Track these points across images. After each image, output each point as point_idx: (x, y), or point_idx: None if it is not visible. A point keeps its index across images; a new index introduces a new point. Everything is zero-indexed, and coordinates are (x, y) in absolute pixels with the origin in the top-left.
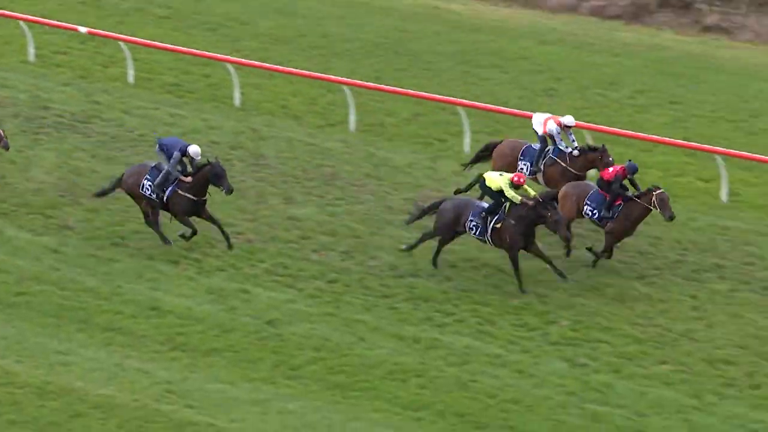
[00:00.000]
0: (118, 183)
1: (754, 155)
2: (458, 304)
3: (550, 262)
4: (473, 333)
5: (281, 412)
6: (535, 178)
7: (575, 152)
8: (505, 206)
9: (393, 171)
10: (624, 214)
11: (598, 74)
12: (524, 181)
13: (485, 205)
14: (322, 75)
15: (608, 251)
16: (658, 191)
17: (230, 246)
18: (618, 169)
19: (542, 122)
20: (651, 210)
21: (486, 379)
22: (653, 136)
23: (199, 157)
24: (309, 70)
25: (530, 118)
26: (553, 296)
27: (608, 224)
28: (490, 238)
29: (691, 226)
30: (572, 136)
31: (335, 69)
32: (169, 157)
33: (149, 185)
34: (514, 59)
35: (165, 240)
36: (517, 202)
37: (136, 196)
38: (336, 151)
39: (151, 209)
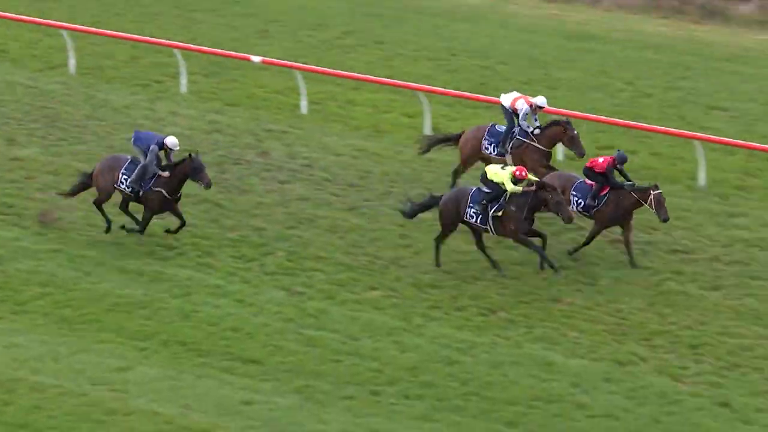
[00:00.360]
0: (89, 179)
1: (454, 92)
2: (179, 238)
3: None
4: (194, 265)
5: (8, 346)
6: (504, 159)
7: (536, 131)
8: (505, 194)
9: (113, 112)
10: (614, 203)
11: (308, 16)
12: (527, 174)
13: (483, 191)
14: (41, 20)
15: (591, 239)
16: (656, 191)
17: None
18: (608, 159)
19: (512, 100)
20: (643, 205)
21: (208, 309)
22: (360, 75)
23: (177, 149)
24: (28, 15)
25: (248, 59)
26: (269, 229)
27: (596, 212)
28: (492, 227)
29: (398, 159)
30: (535, 116)
31: (54, 14)
32: (145, 150)
33: (125, 179)
34: (228, 3)
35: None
36: (519, 193)
37: (108, 192)
38: (57, 93)
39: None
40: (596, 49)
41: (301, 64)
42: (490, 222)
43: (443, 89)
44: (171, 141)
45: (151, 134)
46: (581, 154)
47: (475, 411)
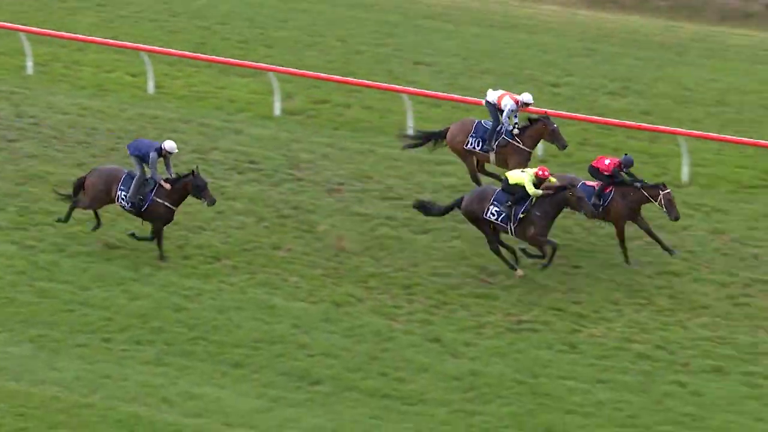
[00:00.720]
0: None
1: (175, 51)
2: None
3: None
4: None
5: None
6: (488, 156)
7: (515, 130)
8: (531, 198)
9: None
10: (621, 199)
11: None
12: (549, 174)
13: (507, 193)
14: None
15: (622, 239)
16: (665, 191)
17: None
18: (614, 161)
19: (498, 97)
20: (651, 202)
21: None
22: (85, 36)
23: (176, 151)
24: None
25: None
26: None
27: (609, 212)
28: (513, 228)
29: (123, 117)
30: (516, 114)
31: None
32: (143, 158)
33: (124, 195)
34: None
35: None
36: (539, 196)
37: (100, 203)
38: None
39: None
40: (310, 9)
41: (25, 27)
42: (512, 224)
43: (164, 49)
44: (169, 145)
45: (146, 142)
46: (564, 146)
47: (203, 354)
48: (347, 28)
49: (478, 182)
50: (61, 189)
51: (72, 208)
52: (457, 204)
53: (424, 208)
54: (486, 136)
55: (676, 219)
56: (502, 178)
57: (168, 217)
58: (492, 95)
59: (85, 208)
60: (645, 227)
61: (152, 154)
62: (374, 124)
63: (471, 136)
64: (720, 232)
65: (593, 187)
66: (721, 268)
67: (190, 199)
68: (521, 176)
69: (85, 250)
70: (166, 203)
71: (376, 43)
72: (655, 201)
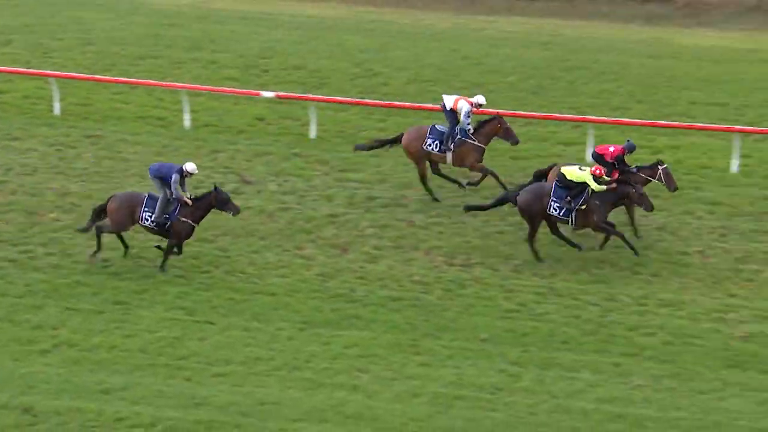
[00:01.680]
0: (101, 215)
1: None
2: None
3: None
4: None
5: None
6: (444, 157)
7: (470, 129)
8: (588, 190)
9: None
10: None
11: None
12: (603, 172)
13: (564, 189)
14: None
15: (633, 221)
16: (662, 166)
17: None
18: (618, 149)
19: (453, 101)
20: (651, 181)
21: None
22: None
23: (197, 172)
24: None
25: None
26: None
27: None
28: (574, 219)
29: None
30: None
31: None
32: (165, 181)
33: (149, 216)
34: None
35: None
36: (604, 190)
37: (124, 227)
38: None
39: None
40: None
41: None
42: (573, 215)
43: None
44: (191, 166)
45: (168, 165)
46: (516, 142)
47: None
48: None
49: (426, 184)
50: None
51: (100, 236)
52: (507, 199)
53: (475, 208)
54: (443, 137)
55: (675, 190)
56: (558, 174)
57: (189, 233)
58: (448, 100)
59: (110, 232)
60: (632, 214)
61: (174, 176)
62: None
63: (428, 138)
64: None
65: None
66: None
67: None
68: (582, 174)
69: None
70: (189, 221)
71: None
72: (654, 178)
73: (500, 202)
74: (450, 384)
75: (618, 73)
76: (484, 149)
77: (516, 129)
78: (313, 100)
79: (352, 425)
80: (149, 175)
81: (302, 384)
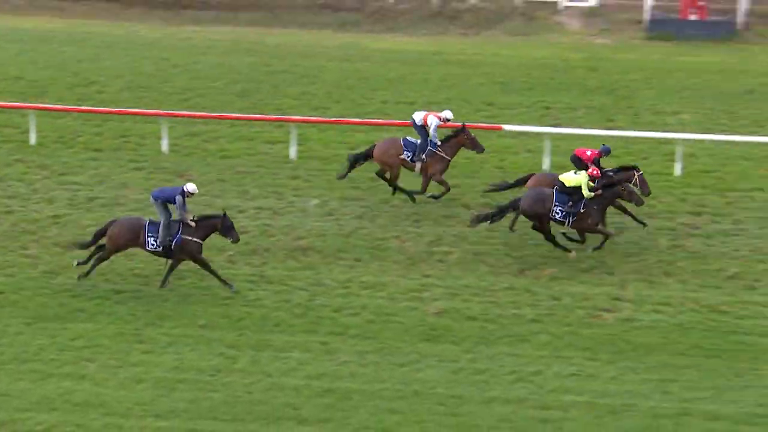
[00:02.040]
0: (101, 236)
1: None
2: None
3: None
4: None
5: None
6: (414, 166)
7: (438, 141)
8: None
9: None
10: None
11: None
12: (600, 173)
13: (565, 194)
14: None
15: (630, 215)
16: (639, 172)
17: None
18: (594, 152)
19: (423, 116)
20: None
21: None
22: None
23: (197, 192)
24: None
25: None
26: None
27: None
28: (572, 222)
29: None
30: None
31: None
32: (167, 203)
33: (154, 241)
34: None
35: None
36: (592, 197)
37: (122, 248)
38: None
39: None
40: None
41: None
42: (571, 218)
43: None
44: (192, 187)
45: (168, 188)
46: (481, 151)
47: None
48: None
49: (396, 188)
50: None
51: (99, 260)
52: (512, 207)
53: (483, 219)
54: (416, 149)
55: (649, 194)
56: (557, 181)
57: (198, 250)
58: (417, 116)
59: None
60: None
61: (178, 198)
62: None
63: (404, 149)
64: None
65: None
66: None
67: None
68: (578, 179)
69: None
70: (194, 238)
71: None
72: (630, 182)
73: (504, 210)
74: (172, 369)
75: (317, 76)
76: (449, 161)
77: (223, 130)
78: (31, 108)
79: (81, 412)
80: (151, 200)
81: (31, 376)
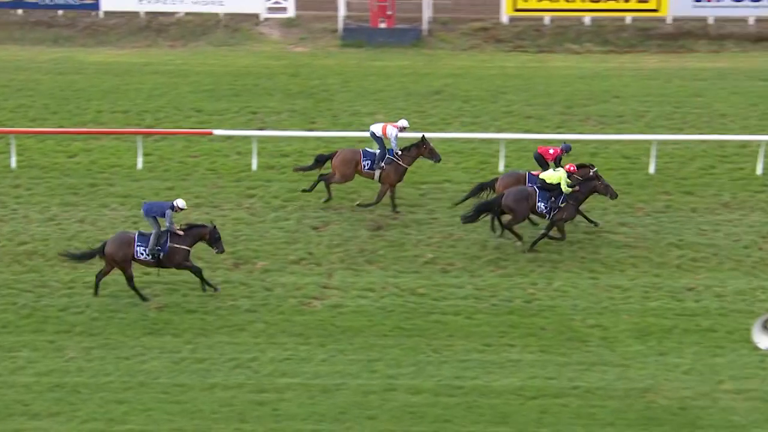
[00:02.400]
0: (100, 253)
1: None
2: None
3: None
4: None
5: None
6: (373, 174)
7: (399, 151)
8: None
9: None
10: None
11: None
12: (576, 169)
13: (546, 192)
14: None
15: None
16: (594, 169)
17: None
18: (557, 150)
19: (381, 128)
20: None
21: None
22: None
23: (186, 208)
24: None
25: None
26: None
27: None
28: (553, 216)
29: None
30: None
31: None
32: (158, 216)
33: (143, 251)
34: None
35: (144, 298)
36: (570, 192)
37: (126, 264)
38: None
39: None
40: None
41: None
42: (552, 212)
43: None
44: (181, 203)
45: (158, 203)
46: (438, 160)
47: None
48: None
49: (326, 190)
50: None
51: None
52: (488, 207)
53: (470, 218)
54: (375, 159)
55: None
56: (538, 179)
57: (186, 257)
58: (376, 128)
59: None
60: None
61: (168, 212)
62: None
63: (363, 159)
64: None
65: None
66: None
67: None
68: (556, 175)
69: None
70: (182, 246)
71: None
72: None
73: (482, 209)
74: None
75: (33, 89)
76: (406, 169)
77: None
78: None
79: None
80: (143, 214)
81: None
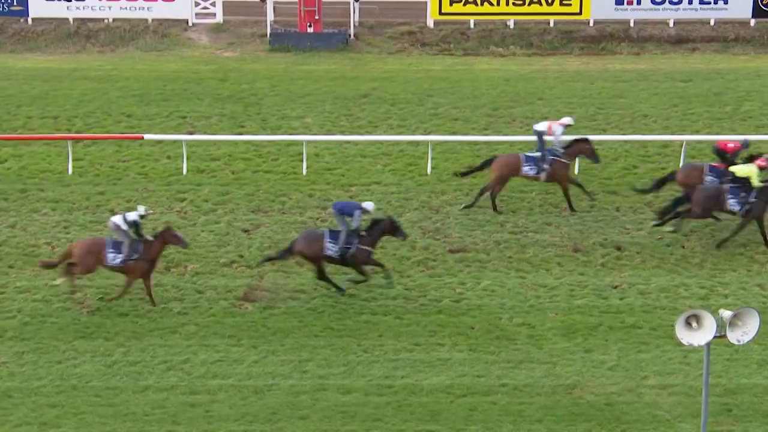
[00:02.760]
0: (290, 251)
1: None
2: None
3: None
4: None
5: None
6: (537, 177)
7: (561, 149)
8: (757, 187)
9: None
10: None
11: None
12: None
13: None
14: None
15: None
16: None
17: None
18: (737, 145)
19: (547, 126)
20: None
21: None
22: None
23: (373, 210)
24: None
25: None
26: None
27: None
28: (744, 213)
29: None
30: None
31: None
32: (348, 216)
33: (332, 246)
34: None
35: (339, 289)
36: (761, 186)
37: (317, 260)
38: None
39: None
40: None
41: None
42: (743, 208)
43: None
44: (370, 206)
45: (349, 203)
46: (598, 161)
47: None
48: None
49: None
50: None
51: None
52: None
53: (664, 216)
54: (537, 161)
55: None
56: (729, 172)
57: (370, 256)
58: (540, 126)
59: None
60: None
61: (356, 212)
62: None
63: (525, 163)
64: None
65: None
66: None
67: None
68: (746, 169)
69: None
70: (368, 248)
71: None
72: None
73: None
74: None
75: None
76: (569, 165)
77: None
78: None
79: None
80: (333, 213)
81: None
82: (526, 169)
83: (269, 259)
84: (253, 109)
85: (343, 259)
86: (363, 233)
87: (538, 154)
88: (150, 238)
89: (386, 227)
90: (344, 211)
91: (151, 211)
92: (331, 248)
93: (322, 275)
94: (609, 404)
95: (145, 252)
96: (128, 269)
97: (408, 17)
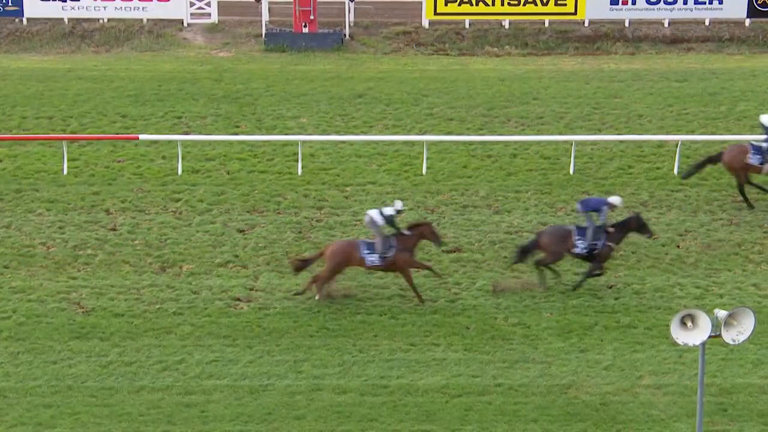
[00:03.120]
0: (534, 245)
1: None
2: None
3: None
4: None
5: None
6: (761, 168)
7: None
8: None
9: None
10: None
11: None
12: None
13: None
14: None
15: None
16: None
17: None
18: None
19: None
20: None
21: None
22: None
23: (621, 205)
24: None
25: None
26: None
27: None
28: None
29: None
30: None
31: None
32: (594, 212)
33: (581, 243)
34: None
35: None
36: None
37: (556, 256)
38: None
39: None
40: None
41: None
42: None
43: None
44: (618, 200)
45: (595, 199)
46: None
47: None
48: None
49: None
50: None
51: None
52: None
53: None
54: (763, 152)
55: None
56: None
57: (611, 253)
58: (765, 119)
59: None
60: None
61: (603, 208)
62: None
63: (750, 155)
64: None
65: None
66: None
67: None
68: None
69: None
70: (612, 245)
71: None
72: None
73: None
74: None
75: None
76: None
77: None
78: None
79: None
80: (579, 209)
81: None
82: (753, 161)
83: (521, 251)
84: (248, 109)
85: (589, 256)
86: (610, 229)
87: (765, 145)
88: (406, 232)
89: (633, 224)
90: (589, 207)
91: (406, 208)
92: (579, 245)
93: (541, 264)
94: (604, 404)
95: (401, 245)
96: (389, 265)
97: (403, 17)
